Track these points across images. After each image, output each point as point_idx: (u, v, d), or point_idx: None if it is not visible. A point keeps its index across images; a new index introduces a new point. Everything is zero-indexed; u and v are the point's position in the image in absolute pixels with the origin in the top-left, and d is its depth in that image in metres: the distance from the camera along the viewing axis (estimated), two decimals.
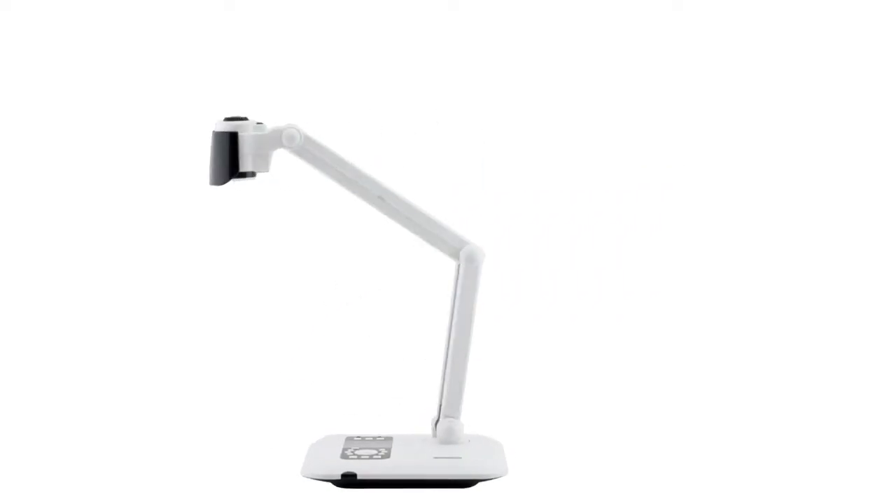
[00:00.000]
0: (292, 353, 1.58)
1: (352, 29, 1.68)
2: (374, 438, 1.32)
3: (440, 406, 1.31)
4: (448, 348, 1.30)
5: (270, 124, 1.28)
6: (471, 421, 1.31)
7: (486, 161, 1.64)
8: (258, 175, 1.28)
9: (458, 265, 1.29)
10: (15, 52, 1.66)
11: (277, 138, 1.27)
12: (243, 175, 1.27)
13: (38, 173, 1.66)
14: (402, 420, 1.39)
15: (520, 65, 1.68)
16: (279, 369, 1.55)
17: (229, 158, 1.26)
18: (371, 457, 1.26)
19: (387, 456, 1.26)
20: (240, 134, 1.26)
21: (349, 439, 1.32)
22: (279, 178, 1.30)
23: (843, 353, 1.59)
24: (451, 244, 1.29)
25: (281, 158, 1.29)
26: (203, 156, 1.62)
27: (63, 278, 1.65)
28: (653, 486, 1.24)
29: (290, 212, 1.61)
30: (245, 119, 1.28)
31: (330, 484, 1.23)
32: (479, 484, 1.24)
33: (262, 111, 1.64)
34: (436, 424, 1.31)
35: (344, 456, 1.26)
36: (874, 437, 1.39)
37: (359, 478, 1.22)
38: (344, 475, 1.22)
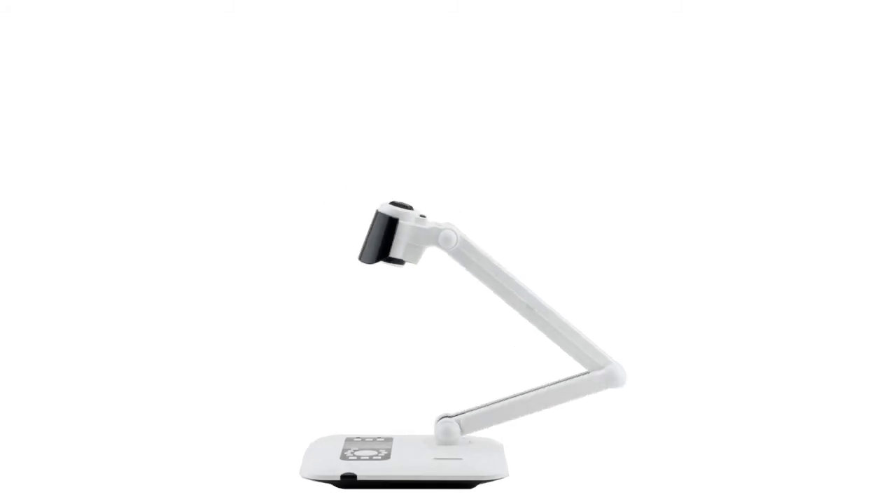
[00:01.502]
0: (293, 354, 1.58)
1: (351, 30, 1.68)
2: (374, 439, 1.32)
3: (461, 412, 1.30)
4: (515, 397, 1.30)
5: (422, 213, 1.27)
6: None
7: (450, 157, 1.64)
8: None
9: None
10: (16, 54, 1.66)
11: (434, 236, 1.27)
12: (391, 261, 1.26)
13: (36, 173, 1.66)
14: (402, 420, 1.38)
15: (522, 66, 1.68)
16: (279, 369, 1.55)
17: (382, 242, 1.25)
18: (371, 458, 1.26)
19: (387, 457, 1.26)
20: (400, 221, 1.26)
21: (349, 440, 1.32)
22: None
23: (842, 352, 1.59)
24: (594, 360, 1.30)
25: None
26: (201, 155, 1.64)
27: (68, 276, 1.65)
28: (652, 487, 1.24)
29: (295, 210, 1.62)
30: (410, 208, 1.27)
31: (330, 485, 1.23)
32: (480, 485, 1.23)
33: (262, 112, 1.65)
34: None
35: (344, 457, 1.26)
36: (874, 437, 1.39)
37: (359, 479, 1.22)
38: (344, 476, 1.22)
